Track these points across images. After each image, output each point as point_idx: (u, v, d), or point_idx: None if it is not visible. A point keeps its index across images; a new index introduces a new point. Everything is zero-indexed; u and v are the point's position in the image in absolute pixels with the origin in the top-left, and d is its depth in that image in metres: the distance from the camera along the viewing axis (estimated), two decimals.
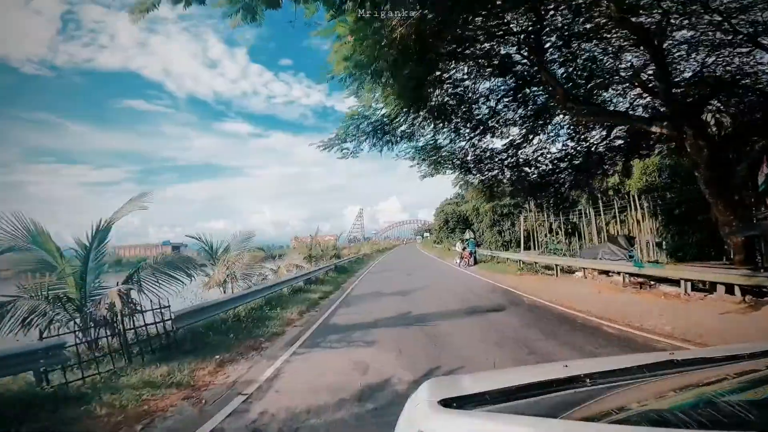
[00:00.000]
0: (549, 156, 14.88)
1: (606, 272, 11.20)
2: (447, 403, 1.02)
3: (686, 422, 0.77)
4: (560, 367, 1.24)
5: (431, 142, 12.75)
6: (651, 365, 1.21)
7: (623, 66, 10.55)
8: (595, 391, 1.06)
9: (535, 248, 26.84)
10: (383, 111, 9.91)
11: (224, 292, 9.10)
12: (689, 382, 1.10)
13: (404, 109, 9.61)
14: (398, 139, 11.41)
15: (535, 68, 11.00)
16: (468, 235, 27.95)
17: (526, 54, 10.50)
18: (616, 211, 20.77)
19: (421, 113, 11.12)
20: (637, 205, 18.24)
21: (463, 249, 21.07)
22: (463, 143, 13.54)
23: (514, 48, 10.52)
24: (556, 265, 14.11)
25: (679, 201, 16.70)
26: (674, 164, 16.97)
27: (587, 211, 22.72)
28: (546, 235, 27.96)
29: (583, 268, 12.21)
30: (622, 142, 14.29)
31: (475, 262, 20.68)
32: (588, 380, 1.12)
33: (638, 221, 19.83)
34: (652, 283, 10.15)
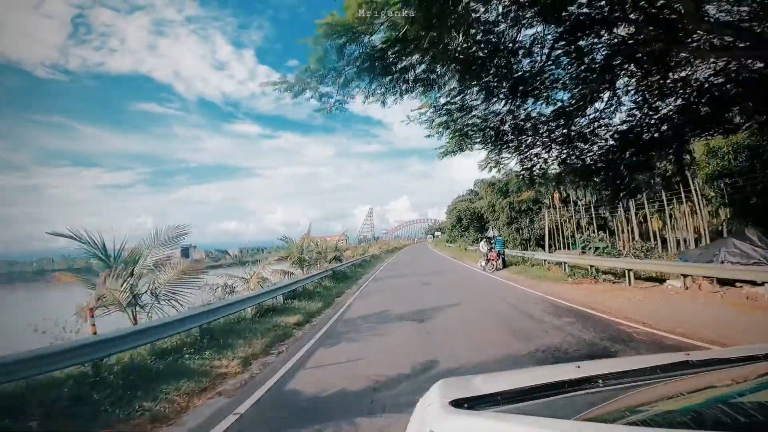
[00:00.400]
0: (611, 129, 11.20)
1: (730, 282, 7.33)
2: (458, 403, 0.98)
3: (703, 423, 0.74)
4: (572, 368, 1.18)
5: (456, 99, 9.08)
6: (666, 366, 1.14)
7: None
8: (609, 393, 1.01)
9: (562, 247, 23.20)
10: (383, 35, 6.25)
11: (134, 320, 5.55)
12: (706, 383, 1.06)
13: (421, 31, 5.90)
14: (410, 85, 7.74)
15: (600, 6, 7.60)
16: (493, 232, 24.19)
17: None
18: (664, 201, 17.72)
19: (440, 62, 7.67)
20: (699, 194, 15.18)
21: (489, 249, 17.27)
22: (498, 106, 9.88)
23: None
24: (628, 271, 10.26)
25: (764, 187, 13.47)
26: (756, 144, 13.77)
27: (626, 204, 19.87)
28: (573, 233, 24.57)
29: (683, 276, 8.32)
30: (703, 113, 10.72)
31: (504, 265, 16.91)
32: (601, 381, 1.06)
33: (684, 214, 16.90)
34: None
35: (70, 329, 4.81)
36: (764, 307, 6.31)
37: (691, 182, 15.62)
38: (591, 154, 11.67)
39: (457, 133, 9.88)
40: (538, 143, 11.32)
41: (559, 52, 8.72)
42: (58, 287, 5.38)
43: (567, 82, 9.62)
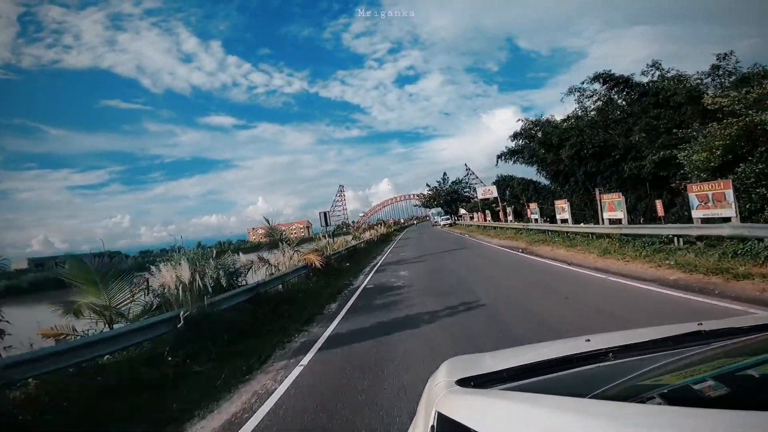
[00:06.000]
0: None
1: None
2: (464, 382, 1.01)
3: (719, 398, 0.70)
4: (582, 342, 1.20)
5: None
6: (678, 337, 1.14)
7: None
8: (620, 366, 1.01)
9: None
10: None
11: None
12: (720, 353, 1.02)
13: None
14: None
15: None
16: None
17: None
18: None
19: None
20: None
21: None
22: None
23: None
24: None
25: None
26: None
27: None
28: None
29: None
30: None
31: None
32: (611, 354, 1.08)
33: None
34: None
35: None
36: None
37: None
38: None
39: None
40: None
41: None
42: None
43: None
